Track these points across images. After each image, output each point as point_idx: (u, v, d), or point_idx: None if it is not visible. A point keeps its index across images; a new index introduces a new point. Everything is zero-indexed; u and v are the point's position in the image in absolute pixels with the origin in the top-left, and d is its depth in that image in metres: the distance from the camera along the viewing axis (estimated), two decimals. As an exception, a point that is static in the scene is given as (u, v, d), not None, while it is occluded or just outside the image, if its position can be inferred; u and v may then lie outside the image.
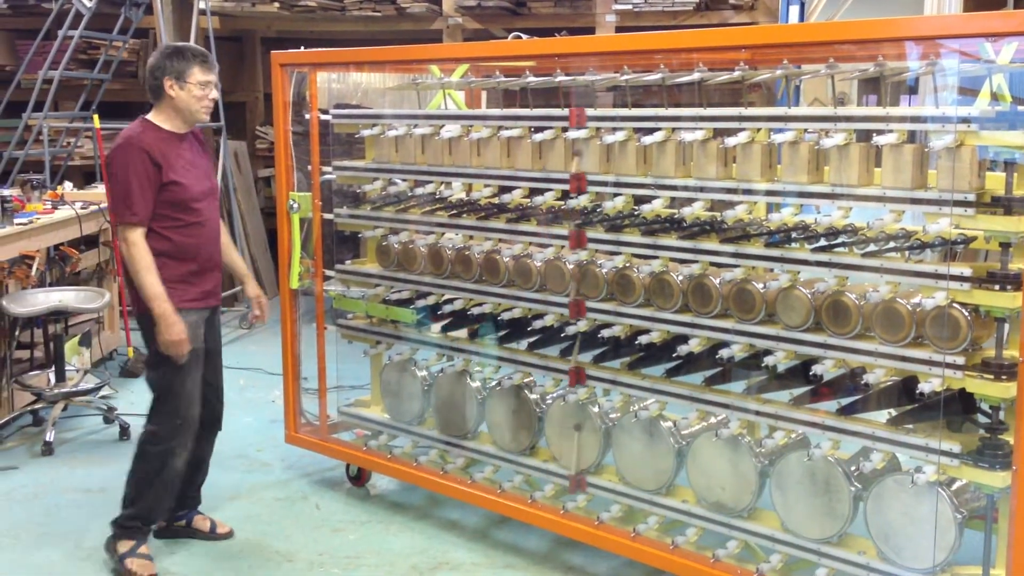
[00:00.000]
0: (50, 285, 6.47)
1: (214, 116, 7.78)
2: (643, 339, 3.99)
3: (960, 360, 3.25)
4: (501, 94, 4.46)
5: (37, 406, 6.11)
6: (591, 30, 8.75)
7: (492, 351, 4.57)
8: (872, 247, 3.39)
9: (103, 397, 6.45)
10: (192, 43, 4.36)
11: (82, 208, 6.85)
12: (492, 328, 4.54)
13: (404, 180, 4.83)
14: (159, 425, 4.30)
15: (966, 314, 3.25)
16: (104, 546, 4.39)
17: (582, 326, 4.17)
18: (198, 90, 4.16)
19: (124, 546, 4.31)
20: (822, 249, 3.54)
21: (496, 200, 4.47)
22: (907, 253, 3.36)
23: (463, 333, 4.73)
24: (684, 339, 3.91)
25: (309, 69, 5.09)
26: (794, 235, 3.61)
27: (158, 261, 4.14)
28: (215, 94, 4.26)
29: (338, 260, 5.14)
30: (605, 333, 4.10)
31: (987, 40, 3.23)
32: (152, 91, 4.20)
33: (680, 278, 3.90)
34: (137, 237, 4.10)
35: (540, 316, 4.34)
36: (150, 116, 4.23)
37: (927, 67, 3.34)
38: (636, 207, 4.03)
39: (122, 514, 4.37)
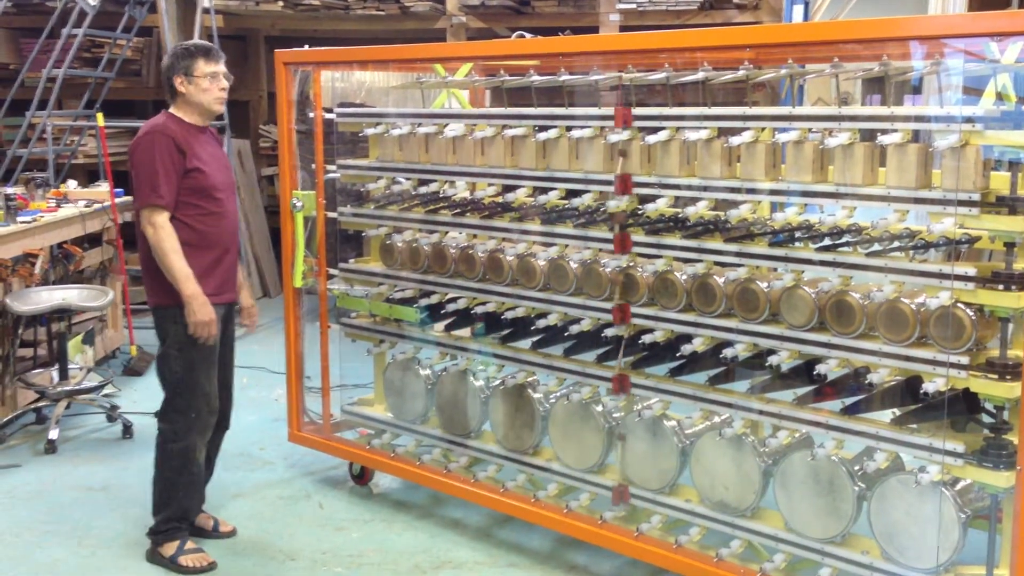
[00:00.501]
0: (53, 283, 6.48)
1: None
2: (647, 338, 3.99)
3: (964, 360, 3.25)
4: (506, 92, 4.44)
5: (40, 404, 6.12)
6: (595, 29, 8.75)
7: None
8: (876, 247, 3.38)
9: (106, 395, 6.46)
10: (211, 44, 4.39)
11: (85, 206, 6.87)
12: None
13: (408, 179, 4.83)
14: (174, 422, 4.30)
15: (970, 314, 3.25)
16: (147, 559, 4.39)
17: (623, 331, 4.05)
18: (205, 82, 4.24)
19: (169, 548, 4.32)
20: (826, 248, 3.54)
21: (500, 199, 4.47)
22: (911, 253, 3.36)
23: (469, 332, 4.73)
24: (688, 338, 3.91)
25: (313, 68, 5.09)
26: (798, 234, 3.60)
27: (183, 251, 4.17)
28: (225, 83, 4.31)
29: (341, 259, 5.14)
30: (609, 332, 4.10)
31: (992, 39, 3.22)
32: (169, 92, 4.31)
33: (684, 277, 3.90)
34: (163, 220, 4.14)
35: (544, 315, 4.34)
36: (171, 110, 4.32)
37: (932, 67, 3.33)
38: (640, 206, 4.03)
39: (157, 520, 4.37)
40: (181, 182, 4.18)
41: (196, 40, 4.37)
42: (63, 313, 5.99)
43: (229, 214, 4.36)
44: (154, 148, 4.15)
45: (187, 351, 4.23)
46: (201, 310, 4.13)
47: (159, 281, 4.21)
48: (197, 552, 4.33)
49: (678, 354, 3.94)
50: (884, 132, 3.37)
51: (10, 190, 6.44)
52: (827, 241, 3.54)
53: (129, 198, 7.04)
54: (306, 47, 5.04)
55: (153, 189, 4.13)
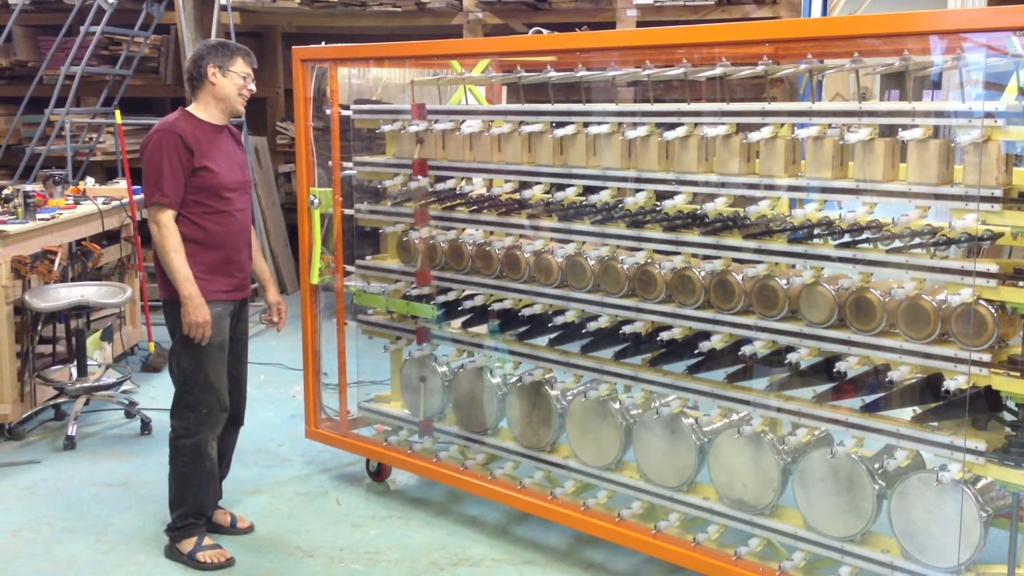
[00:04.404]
0: (72, 280, 6.50)
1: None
2: (665, 335, 3.98)
3: (986, 357, 3.22)
4: (523, 89, 4.43)
5: (59, 400, 6.15)
6: (612, 25, 8.73)
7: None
8: (897, 243, 3.36)
9: (125, 392, 6.48)
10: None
11: (104, 204, 6.89)
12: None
13: (425, 175, 4.82)
14: (185, 418, 4.32)
15: (992, 311, 3.22)
16: (166, 555, 4.41)
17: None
18: (239, 79, 4.26)
19: (187, 545, 4.34)
20: (846, 245, 3.51)
21: (517, 195, 4.46)
22: (932, 249, 3.33)
23: (486, 329, 4.72)
24: (706, 335, 3.89)
25: (330, 64, 5.09)
26: (817, 231, 3.58)
27: (187, 248, 4.20)
28: (253, 87, 4.33)
29: (358, 256, 5.14)
30: (627, 329, 4.08)
31: (1014, 34, 3.19)
32: (193, 80, 4.29)
33: (702, 274, 3.88)
34: (167, 219, 4.16)
35: (561, 312, 4.33)
36: (189, 108, 4.32)
37: (952, 61, 3.30)
38: (658, 203, 4.01)
39: (174, 517, 4.39)
40: (189, 180, 4.18)
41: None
42: (82, 310, 6.01)
43: (240, 214, 4.36)
44: (161, 146, 4.16)
45: (194, 347, 4.24)
46: (196, 311, 4.14)
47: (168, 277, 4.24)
48: (215, 548, 4.34)
49: (696, 351, 3.91)
50: (905, 128, 3.34)
51: (29, 187, 6.46)
52: (847, 238, 3.51)
53: (147, 195, 7.07)
54: (323, 44, 5.04)
55: (158, 187, 4.16)
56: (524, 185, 4.44)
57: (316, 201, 5.02)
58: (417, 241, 4.73)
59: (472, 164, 4.57)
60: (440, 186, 4.71)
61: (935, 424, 3.39)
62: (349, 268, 5.10)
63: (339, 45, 5.09)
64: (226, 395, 4.37)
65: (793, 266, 3.78)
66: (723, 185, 3.81)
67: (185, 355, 4.26)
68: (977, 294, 3.22)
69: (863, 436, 3.55)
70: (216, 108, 4.29)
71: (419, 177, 4.72)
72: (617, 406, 4.24)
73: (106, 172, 9.62)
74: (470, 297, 4.68)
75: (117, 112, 7.90)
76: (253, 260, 4.60)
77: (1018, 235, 3.25)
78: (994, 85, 3.45)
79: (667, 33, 4.01)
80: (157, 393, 6.59)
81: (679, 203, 3.92)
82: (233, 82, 4.24)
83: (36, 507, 4.96)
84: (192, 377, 4.28)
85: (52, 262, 6.20)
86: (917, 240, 3.35)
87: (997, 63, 3.35)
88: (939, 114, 3.34)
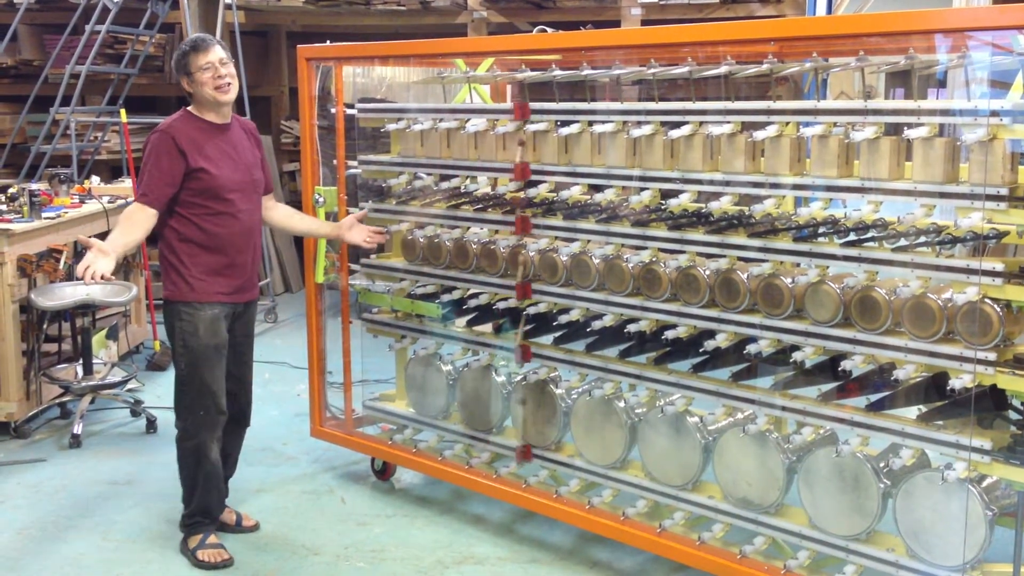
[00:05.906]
0: (77, 279, 6.50)
1: (240, 110, 7.80)
2: (670, 334, 3.97)
3: (991, 356, 3.22)
4: (527, 87, 4.42)
5: (65, 399, 6.16)
6: (616, 23, 8.72)
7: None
8: (902, 242, 3.35)
9: (130, 390, 6.49)
10: (202, 35, 4.38)
11: (109, 202, 6.90)
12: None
13: (429, 174, 4.82)
14: (184, 419, 4.34)
15: (998, 310, 3.21)
16: (180, 550, 4.44)
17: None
18: (201, 74, 4.22)
19: (194, 541, 4.38)
20: (851, 244, 3.51)
21: (521, 194, 4.45)
22: (938, 248, 3.33)
23: (491, 328, 4.72)
24: (711, 334, 3.89)
25: (334, 63, 5.09)
26: (823, 229, 3.58)
27: (190, 249, 4.21)
28: (224, 70, 4.25)
29: (363, 254, 5.14)
30: (632, 328, 4.08)
31: (1020, 32, 3.18)
32: (187, 94, 4.34)
33: (707, 273, 3.88)
34: (138, 208, 4.17)
35: (566, 311, 4.33)
36: (190, 108, 4.34)
37: (958, 60, 3.30)
38: (663, 201, 4.01)
39: (184, 514, 4.44)
40: (185, 183, 4.18)
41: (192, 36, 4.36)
42: (87, 308, 6.02)
43: (243, 215, 4.33)
44: (153, 147, 4.19)
45: (190, 348, 4.25)
46: (96, 262, 4.04)
47: (168, 276, 4.27)
48: (216, 548, 4.35)
49: (701, 349, 3.91)
50: (910, 126, 3.34)
51: (34, 186, 6.47)
52: (852, 236, 3.51)
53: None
54: (327, 43, 5.04)
55: (141, 185, 4.20)
56: (528, 184, 4.43)
57: (321, 200, 5.03)
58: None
59: (477, 163, 4.55)
60: (445, 184, 4.71)
61: (940, 423, 3.39)
62: (354, 267, 5.11)
63: (344, 44, 5.09)
64: (223, 398, 4.36)
65: (798, 265, 3.78)
66: (728, 184, 3.81)
67: (183, 356, 4.27)
68: (983, 293, 3.22)
69: (868, 435, 3.55)
70: (207, 109, 4.29)
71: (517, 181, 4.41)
72: (622, 405, 4.24)
73: (111, 171, 9.63)
74: (475, 296, 4.68)
75: (122, 111, 7.93)
76: (304, 225, 4.77)
77: (1023, 234, 3.24)
78: (1000, 83, 3.45)
79: (672, 32, 4.00)
80: (162, 391, 6.59)
81: (684, 202, 3.92)
82: (199, 81, 4.22)
83: (42, 505, 4.97)
84: (188, 379, 4.28)
85: (58, 261, 6.21)
86: (922, 239, 3.35)
87: (1003, 61, 3.35)
88: (944, 112, 3.33)
